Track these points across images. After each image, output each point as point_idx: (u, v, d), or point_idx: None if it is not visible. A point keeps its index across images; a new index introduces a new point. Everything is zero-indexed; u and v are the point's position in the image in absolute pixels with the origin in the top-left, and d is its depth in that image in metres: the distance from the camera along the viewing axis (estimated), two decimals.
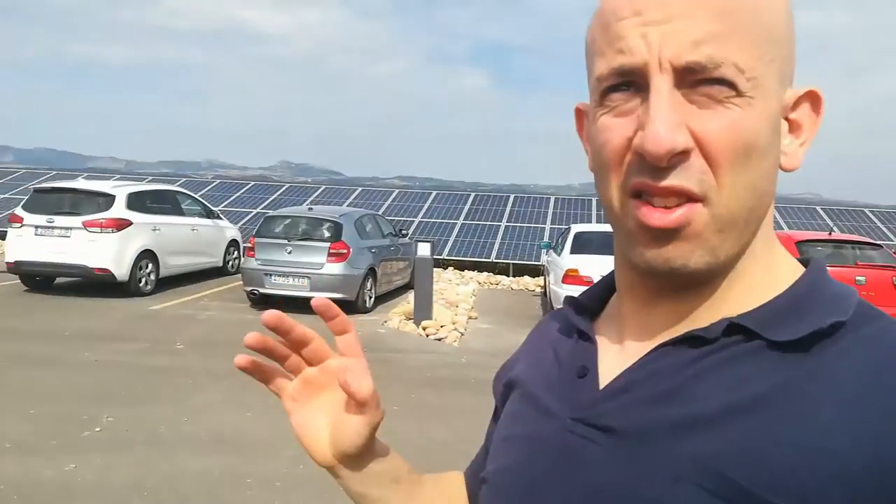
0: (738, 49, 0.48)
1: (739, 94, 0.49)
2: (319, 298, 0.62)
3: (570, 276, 9.13)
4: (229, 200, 18.68)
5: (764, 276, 0.55)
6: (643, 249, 0.52)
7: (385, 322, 9.24)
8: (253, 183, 20.90)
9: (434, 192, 19.70)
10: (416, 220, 17.45)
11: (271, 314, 0.60)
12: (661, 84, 0.49)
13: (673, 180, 0.49)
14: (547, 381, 0.63)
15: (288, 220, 10.19)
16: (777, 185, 0.54)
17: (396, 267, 11.40)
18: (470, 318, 9.92)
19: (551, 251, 11.21)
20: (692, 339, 0.53)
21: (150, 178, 20.88)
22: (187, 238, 11.43)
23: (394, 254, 11.29)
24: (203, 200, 13.05)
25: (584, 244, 9.73)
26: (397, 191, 19.92)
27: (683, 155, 0.49)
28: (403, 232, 12.51)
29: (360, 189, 20.23)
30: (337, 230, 9.87)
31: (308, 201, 18.58)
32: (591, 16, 0.56)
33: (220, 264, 12.59)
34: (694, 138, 0.49)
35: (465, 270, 15.36)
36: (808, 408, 0.47)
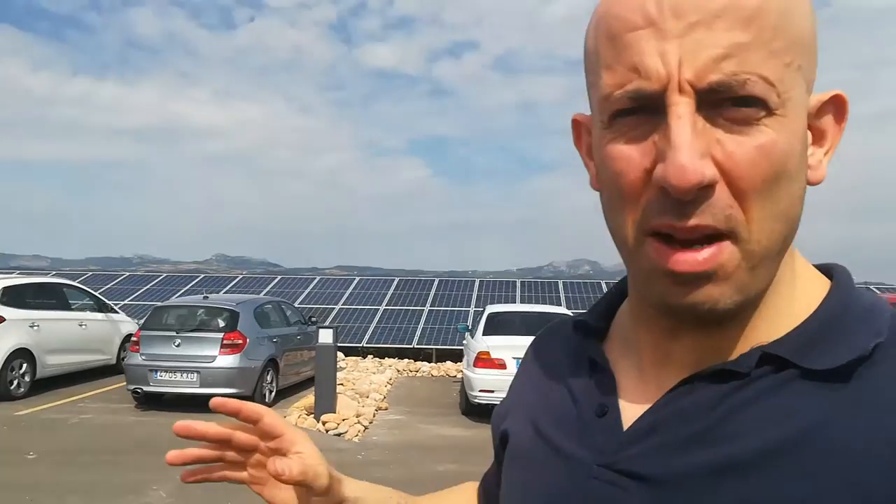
0: (767, 59, 0.43)
1: (770, 112, 0.43)
2: (216, 399, 0.63)
3: (482, 360, 8.65)
4: (138, 293, 17.61)
5: (790, 298, 0.50)
6: (664, 291, 0.47)
7: (282, 418, 8.41)
8: (165, 275, 19.90)
9: (357, 279, 19.17)
10: (337, 308, 16.77)
11: (179, 426, 0.61)
12: (683, 108, 0.43)
13: (699, 219, 0.44)
14: (561, 419, 0.57)
15: (179, 310, 9.43)
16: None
17: (304, 357, 10.63)
18: (379, 409, 9.22)
19: (467, 334, 10.75)
20: (721, 373, 0.48)
21: (72, 274, 19.62)
22: (73, 334, 10.43)
23: (301, 343, 10.56)
24: (96, 294, 12.11)
25: (498, 325, 9.32)
26: (318, 278, 19.27)
27: (709, 188, 0.43)
28: (313, 319, 11.82)
29: (279, 277, 19.49)
30: (233, 319, 9.15)
31: (224, 290, 17.71)
32: (591, 19, 0.50)
33: (114, 361, 11.50)
34: (718, 167, 0.43)
35: (386, 358, 14.66)
36: (854, 442, 0.43)
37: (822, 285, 0.52)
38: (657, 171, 0.44)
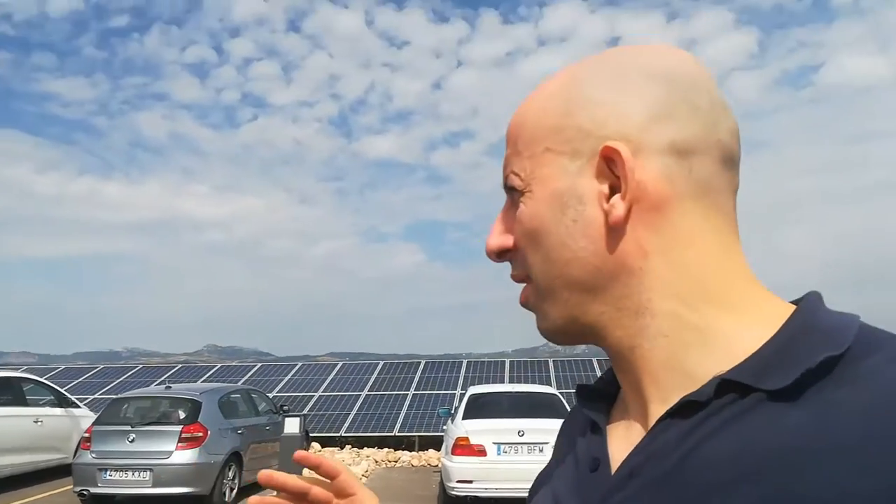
0: (519, 159, 0.59)
1: (521, 192, 0.58)
2: (299, 452, 0.76)
3: (461, 447, 8.00)
4: (110, 386, 16.86)
5: (728, 326, 0.53)
6: None
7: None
8: (141, 366, 19.18)
9: (340, 363, 18.49)
10: (317, 395, 16.04)
11: (263, 475, 0.72)
12: (505, 203, 0.62)
13: (513, 270, 0.62)
14: (567, 481, 0.62)
15: (138, 402, 8.83)
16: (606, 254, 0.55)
17: (273, 449, 9.91)
18: None
19: (449, 419, 10.08)
20: (687, 406, 0.51)
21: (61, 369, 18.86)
22: (26, 432, 9.72)
23: (270, 434, 9.86)
24: (56, 388, 11.45)
25: (480, 408, 8.72)
26: (300, 364, 18.57)
27: (512, 252, 0.60)
28: (285, 408, 11.15)
29: (259, 365, 18.79)
30: (194, 410, 8.53)
31: (201, 379, 16.98)
32: None
33: (70, 460, 10.74)
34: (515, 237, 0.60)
35: (366, 448, 13.84)
36: (815, 465, 0.44)
37: (783, 311, 0.53)
38: None
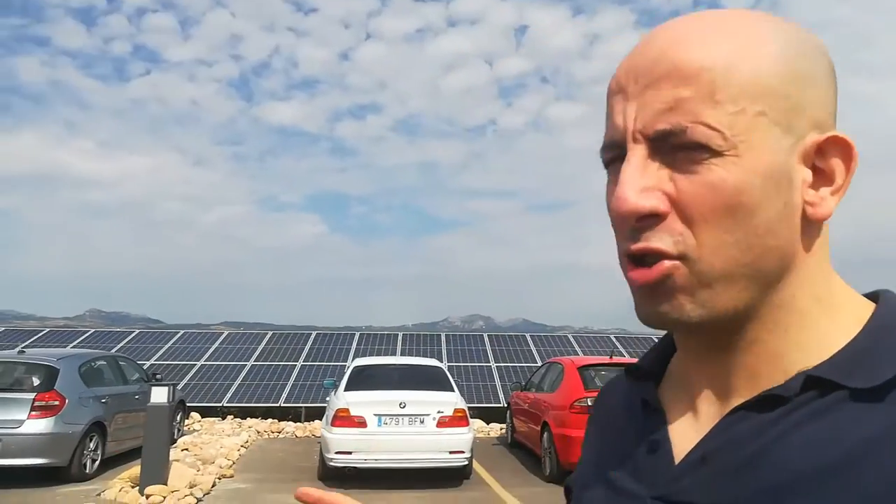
0: (716, 111, 0.49)
1: (717, 153, 0.49)
2: (301, 489, 0.66)
3: (341, 418, 7.83)
4: None
5: (821, 323, 0.53)
6: (639, 307, 0.53)
7: (100, 493, 7.19)
8: (3, 328, 17.64)
9: (225, 332, 17.79)
10: (199, 364, 15.35)
11: (303, 492, 0.66)
12: (634, 153, 0.51)
13: (646, 242, 0.51)
14: (619, 460, 0.59)
15: None
16: (813, 236, 0.53)
17: (143, 419, 9.35)
18: (224, 476, 8.14)
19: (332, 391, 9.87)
20: (768, 399, 0.51)
21: None
22: None
23: (139, 403, 9.27)
24: None
25: (363, 380, 8.55)
26: (181, 332, 17.69)
27: (656, 218, 0.50)
28: (158, 377, 10.56)
29: (136, 332, 17.76)
30: (49, 376, 7.88)
31: (71, 344, 15.83)
32: None
33: None
34: (671, 201, 0.50)
35: (249, 419, 13.41)
36: None
37: (867, 309, 0.54)
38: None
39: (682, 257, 0.50)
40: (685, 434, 0.55)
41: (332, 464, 7.74)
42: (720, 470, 0.50)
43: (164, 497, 6.81)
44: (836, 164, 0.52)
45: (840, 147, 0.52)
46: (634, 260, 0.52)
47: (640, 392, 0.61)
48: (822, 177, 0.52)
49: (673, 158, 0.50)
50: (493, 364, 15.81)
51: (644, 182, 0.50)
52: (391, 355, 15.30)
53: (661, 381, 0.62)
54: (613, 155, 0.54)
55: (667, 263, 0.50)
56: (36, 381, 7.83)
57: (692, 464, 0.52)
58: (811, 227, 0.52)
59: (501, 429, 12.48)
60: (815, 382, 0.49)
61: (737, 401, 0.53)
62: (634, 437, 0.59)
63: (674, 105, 0.49)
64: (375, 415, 7.85)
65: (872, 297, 0.56)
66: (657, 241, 0.50)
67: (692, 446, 0.54)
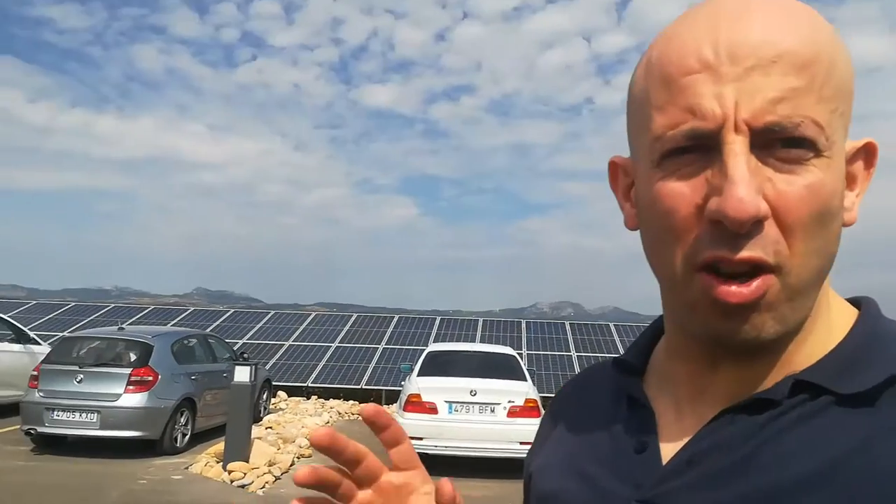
0: (818, 103, 0.45)
1: (819, 154, 0.46)
2: (370, 407, 0.55)
3: (412, 403, 7.93)
4: (79, 324, 16.70)
5: (826, 329, 0.52)
6: (710, 322, 0.49)
7: (188, 466, 7.62)
8: (113, 305, 19.01)
9: (312, 314, 18.39)
10: (287, 344, 15.97)
11: (321, 435, 0.54)
12: (739, 146, 0.45)
13: (750, 251, 0.46)
14: (600, 457, 0.57)
15: (88, 342, 8.65)
16: None
17: None
18: (301, 456, 8.43)
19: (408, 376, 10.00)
20: (757, 403, 0.50)
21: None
22: None
23: (227, 381, 9.75)
24: (13, 322, 11.26)
25: (436, 365, 8.62)
26: (272, 313, 18.46)
27: (759, 223, 0.46)
28: (245, 356, 11.04)
29: (231, 311, 18.68)
30: (145, 353, 8.39)
31: (171, 323, 16.86)
32: (640, 63, 0.53)
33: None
34: (769, 204, 0.45)
35: (332, 399, 13.84)
36: (891, 465, 0.44)
37: (850, 315, 0.54)
38: (711, 204, 0.46)
39: (777, 269, 0.46)
40: (672, 435, 0.54)
41: None
42: (707, 474, 0.49)
43: (245, 473, 7.13)
44: (859, 167, 0.51)
45: (867, 152, 0.51)
46: (718, 271, 0.47)
47: (625, 386, 0.59)
48: (849, 181, 0.51)
49: (772, 155, 0.46)
50: (573, 353, 15.54)
51: (755, 181, 0.45)
52: (470, 341, 15.34)
53: (644, 376, 0.61)
54: (687, 145, 0.47)
55: (766, 279, 0.46)
56: (132, 357, 8.36)
57: (679, 466, 0.51)
58: (841, 231, 0.50)
59: None
60: (803, 387, 0.49)
61: (724, 403, 0.52)
62: (618, 434, 0.57)
63: (786, 95, 0.45)
64: (446, 401, 7.89)
65: (854, 303, 0.56)
66: (759, 249, 0.45)
67: (678, 448, 0.52)
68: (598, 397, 0.63)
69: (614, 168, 0.60)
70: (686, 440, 0.52)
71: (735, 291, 0.46)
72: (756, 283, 0.46)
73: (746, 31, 0.46)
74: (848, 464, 0.45)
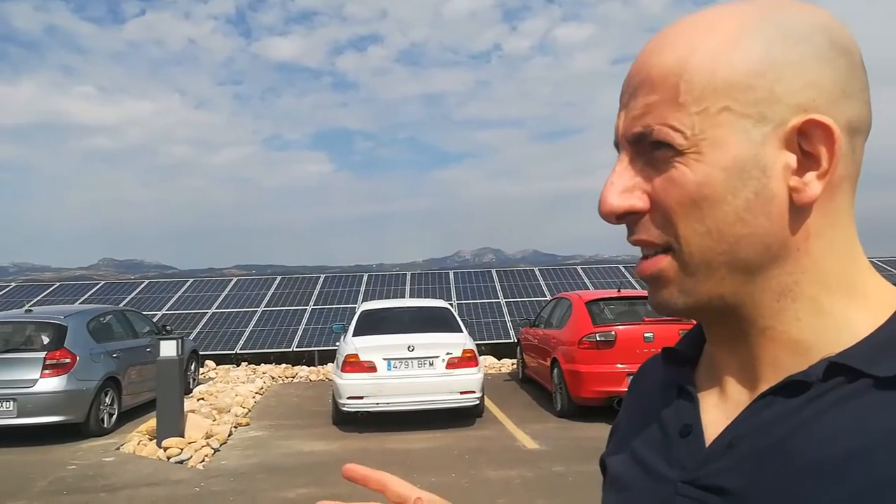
0: (681, 112, 0.52)
1: (680, 152, 0.52)
2: (350, 468, 0.70)
3: (350, 364, 7.87)
4: None
5: (848, 311, 0.53)
6: (648, 296, 0.58)
7: (119, 446, 7.31)
8: (14, 285, 17.76)
9: (234, 280, 17.83)
10: (210, 312, 15.45)
11: (350, 469, 0.70)
12: (621, 157, 0.56)
13: (637, 235, 0.56)
14: (651, 442, 0.62)
15: None
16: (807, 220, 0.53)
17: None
18: (239, 425, 8.27)
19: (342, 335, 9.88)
20: (793, 385, 0.52)
21: None
22: None
23: (152, 356, 9.31)
24: None
25: (371, 324, 8.56)
26: (190, 280, 17.75)
27: (639, 214, 0.55)
28: (168, 328, 10.61)
29: (146, 282, 17.81)
30: (58, 335, 7.90)
31: (80, 300, 15.95)
32: None
33: None
34: (650, 198, 0.54)
35: (263, 364, 13.58)
36: None
37: (893, 298, 0.55)
38: None
39: (667, 248, 0.54)
40: (716, 419, 0.57)
41: (344, 409, 7.82)
42: (746, 455, 0.52)
43: (182, 449, 6.91)
44: (818, 147, 0.52)
45: (821, 129, 0.51)
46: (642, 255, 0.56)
47: (676, 376, 0.63)
48: (811, 161, 0.52)
49: (651, 159, 0.54)
50: (502, 300, 15.83)
51: (625, 183, 0.55)
52: (400, 297, 15.33)
53: (697, 366, 0.64)
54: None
55: (659, 258, 0.55)
56: (45, 340, 7.87)
57: (721, 448, 0.54)
58: (802, 212, 0.52)
59: (513, 364, 12.59)
60: (838, 369, 0.50)
61: (763, 387, 0.54)
62: (668, 420, 0.61)
63: (645, 110, 0.54)
64: (384, 359, 7.87)
65: None
66: (643, 233, 0.55)
67: (721, 430, 0.55)
68: (653, 386, 0.67)
69: None
70: (728, 423, 0.56)
71: (638, 266, 0.57)
72: (650, 260, 0.56)
73: (634, 64, 0.56)
74: (881, 448, 0.46)
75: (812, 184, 0.52)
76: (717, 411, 0.58)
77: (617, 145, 0.58)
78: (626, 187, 0.55)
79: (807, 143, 0.52)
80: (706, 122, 0.52)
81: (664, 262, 0.55)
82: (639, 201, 0.55)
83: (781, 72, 0.51)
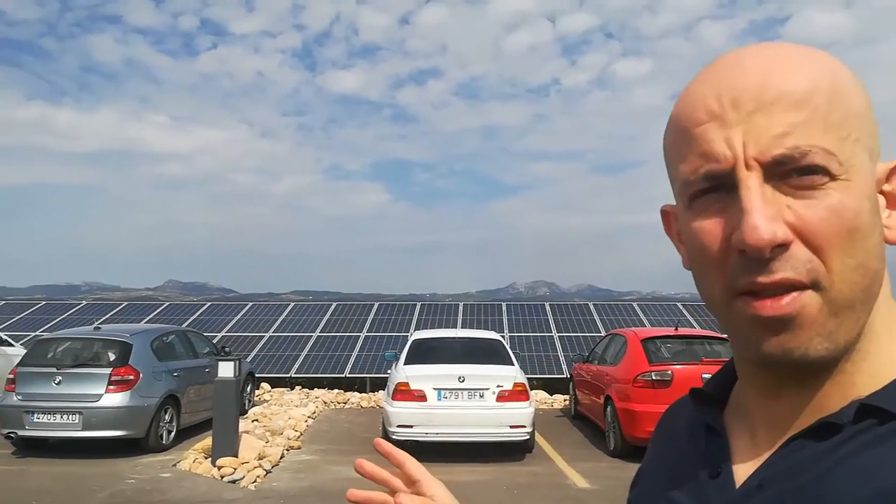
0: (824, 133, 0.49)
1: (834, 177, 0.49)
2: (379, 442, 0.81)
3: (401, 392, 7.90)
4: (52, 324, 16.32)
5: (889, 351, 0.53)
6: (760, 343, 0.51)
7: (176, 463, 7.51)
8: (85, 303, 18.62)
9: (291, 304, 18.21)
10: (266, 335, 15.80)
11: (379, 443, 0.80)
12: (751, 181, 0.50)
13: (782, 273, 0.49)
14: (681, 482, 0.61)
15: (64, 343, 8.45)
16: None
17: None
18: (291, 448, 8.37)
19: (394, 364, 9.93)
20: (824, 428, 0.51)
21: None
22: None
23: (210, 377, 9.60)
24: None
25: (423, 353, 8.59)
26: (249, 304, 18.23)
27: (784, 247, 0.49)
28: (226, 350, 10.89)
29: (208, 304, 18.39)
30: (124, 352, 8.22)
31: (146, 319, 16.56)
32: (667, 122, 0.58)
33: None
34: (792, 229, 0.49)
35: (316, 389, 13.75)
36: None
37: None
38: (734, 236, 0.50)
39: (814, 286, 0.49)
40: (746, 460, 0.57)
41: (394, 437, 7.83)
42: (775, 497, 0.51)
43: (235, 469, 7.04)
44: None
45: None
46: (756, 296, 0.50)
47: (704, 416, 0.62)
48: (890, 201, 0.54)
49: (786, 184, 0.49)
50: (555, 334, 15.64)
51: (769, 210, 0.49)
52: (451, 326, 15.32)
53: (727, 407, 0.63)
54: (709, 186, 0.52)
55: (801, 295, 0.49)
56: (112, 357, 8.18)
57: (750, 490, 0.54)
58: (885, 250, 0.53)
59: (565, 400, 12.36)
60: (869, 411, 0.50)
61: (796, 429, 0.53)
62: (697, 461, 0.60)
63: (789, 130, 0.49)
64: (435, 389, 7.87)
65: None
66: (789, 270, 0.49)
67: (751, 472, 0.55)
68: (681, 427, 0.66)
69: (666, 216, 0.64)
70: (758, 465, 0.55)
71: (769, 305, 0.49)
72: (791, 296, 0.49)
73: (744, 78, 0.51)
74: None
75: None
76: (747, 452, 0.57)
77: (712, 175, 0.51)
78: (772, 214, 0.49)
79: (888, 184, 0.54)
80: (849, 148, 0.50)
81: (807, 299, 0.49)
82: (788, 232, 0.49)
83: (873, 114, 0.54)
